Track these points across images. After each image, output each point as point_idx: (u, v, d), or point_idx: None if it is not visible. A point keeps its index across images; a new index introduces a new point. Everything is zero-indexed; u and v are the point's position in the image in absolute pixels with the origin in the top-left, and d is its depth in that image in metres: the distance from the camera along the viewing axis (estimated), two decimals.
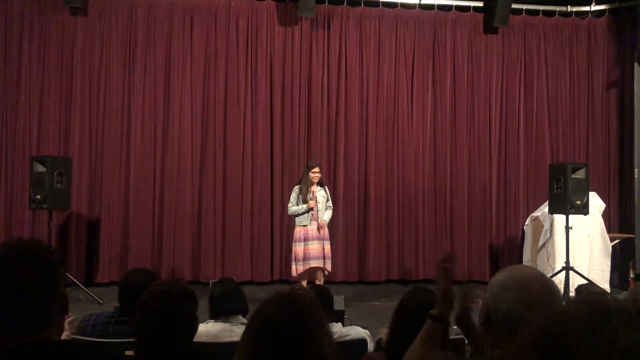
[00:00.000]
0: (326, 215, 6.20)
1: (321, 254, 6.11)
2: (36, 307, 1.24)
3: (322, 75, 7.93)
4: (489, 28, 8.22)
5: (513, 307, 1.37)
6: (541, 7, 8.35)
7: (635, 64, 8.10)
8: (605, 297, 0.60)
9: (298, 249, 6.13)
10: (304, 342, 1.20)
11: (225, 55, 7.80)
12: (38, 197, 6.36)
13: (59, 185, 6.42)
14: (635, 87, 8.08)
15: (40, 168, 6.42)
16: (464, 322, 1.79)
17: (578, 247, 6.87)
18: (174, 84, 7.68)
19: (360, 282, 7.80)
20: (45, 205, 6.37)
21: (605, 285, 7.04)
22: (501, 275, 1.45)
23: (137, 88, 7.63)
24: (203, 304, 2.39)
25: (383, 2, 8.05)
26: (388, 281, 7.73)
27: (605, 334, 0.53)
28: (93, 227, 7.55)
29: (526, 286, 1.38)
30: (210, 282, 3.37)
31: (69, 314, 2.60)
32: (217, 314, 2.94)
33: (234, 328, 2.85)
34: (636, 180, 8.03)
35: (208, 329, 2.78)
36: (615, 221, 8.27)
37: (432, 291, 2.37)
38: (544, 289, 1.38)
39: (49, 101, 7.50)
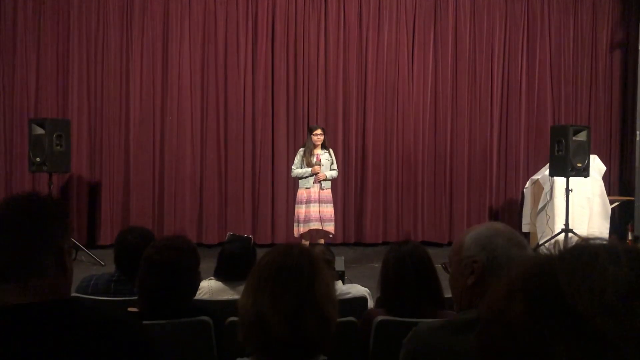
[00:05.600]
0: (328, 173, 6.20)
1: (323, 217, 6.13)
2: (22, 252, 1.21)
3: (320, 37, 7.82)
4: None
5: (509, 249, 1.39)
6: None
7: None
8: (589, 240, 0.59)
9: (299, 210, 6.16)
10: (313, 276, 1.23)
11: (225, 15, 7.68)
12: (37, 159, 6.34)
13: (58, 147, 6.39)
14: None
15: (39, 130, 6.38)
16: None
17: (577, 210, 6.89)
18: (172, 45, 7.59)
19: (358, 244, 7.86)
20: (44, 168, 6.36)
21: None
22: (473, 234, 1.45)
23: (135, 49, 7.54)
24: (205, 266, 2.37)
25: None
26: (385, 243, 7.78)
27: (594, 271, 0.53)
28: (94, 190, 7.57)
29: (505, 229, 1.44)
30: (229, 233, 3.29)
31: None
32: (222, 275, 2.88)
33: (236, 287, 2.86)
34: (637, 143, 8.00)
35: (211, 285, 2.80)
36: (616, 184, 8.28)
37: (412, 243, 2.40)
38: (511, 231, 1.45)
39: (46, 63, 7.42)
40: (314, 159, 6.13)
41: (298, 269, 1.24)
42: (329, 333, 1.24)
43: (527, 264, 0.59)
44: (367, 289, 3.00)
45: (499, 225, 1.47)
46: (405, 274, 2.21)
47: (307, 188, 6.15)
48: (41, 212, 1.25)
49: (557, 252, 0.58)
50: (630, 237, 7.35)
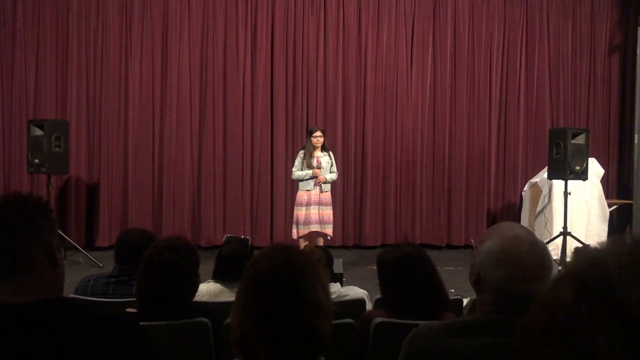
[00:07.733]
0: (329, 175, 6.20)
1: (322, 219, 6.13)
2: (11, 249, 1.21)
3: (320, 38, 7.83)
4: None
5: (503, 282, 1.36)
6: None
7: (639, 28, 7.99)
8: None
9: (299, 212, 6.15)
10: (299, 294, 1.19)
11: (224, 16, 7.68)
12: (36, 161, 6.33)
13: (57, 149, 6.39)
14: (638, 51, 8.00)
15: (38, 132, 6.38)
16: None
17: (576, 213, 6.89)
18: (171, 46, 7.59)
19: (357, 246, 7.86)
20: (43, 169, 6.35)
21: None
22: (491, 245, 1.39)
23: (134, 50, 7.53)
24: (204, 268, 2.37)
25: None
26: (384, 245, 7.77)
27: None
28: (92, 191, 7.56)
29: (518, 262, 1.34)
30: (226, 235, 3.31)
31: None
32: (220, 277, 2.89)
33: (235, 289, 2.85)
34: (636, 146, 8.02)
35: (209, 288, 2.79)
36: (614, 187, 8.29)
37: (412, 244, 2.40)
38: (536, 263, 1.34)
39: (45, 64, 7.42)
40: (314, 162, 6.12)
41: (280, 285, 1.19)
42: (321, 345, 1.21)
43: (579, 255, 0.61)
44: (365, 291, 3.00)
45: (514, 249, 1.37)
46: (407, 275, 2.20)
47: (307, 190, 6.14)
48: (24, 208, 1.25)
49: (611, 246, 0.59)
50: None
